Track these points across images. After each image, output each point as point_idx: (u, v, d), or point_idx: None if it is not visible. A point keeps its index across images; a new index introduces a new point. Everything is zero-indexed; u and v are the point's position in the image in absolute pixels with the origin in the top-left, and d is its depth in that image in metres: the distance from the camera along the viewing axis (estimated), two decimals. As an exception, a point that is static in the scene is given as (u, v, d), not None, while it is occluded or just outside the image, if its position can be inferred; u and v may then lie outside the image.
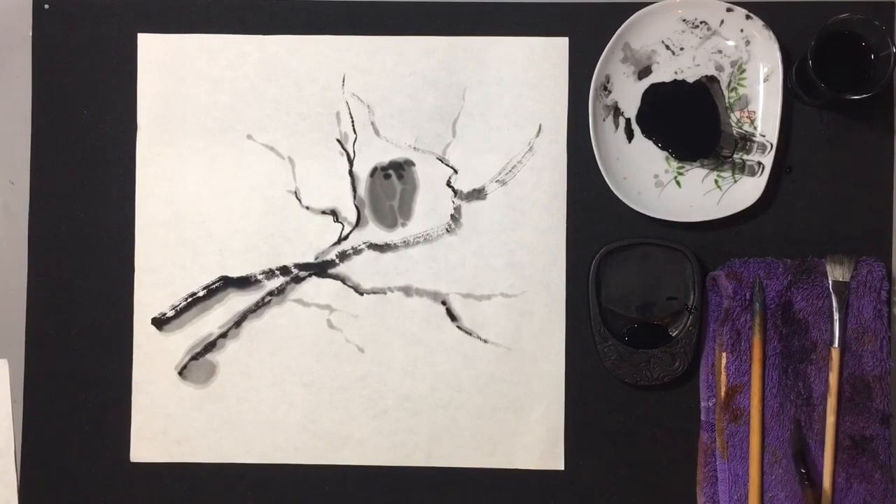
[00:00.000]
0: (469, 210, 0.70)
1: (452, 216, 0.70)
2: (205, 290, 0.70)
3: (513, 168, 0.70)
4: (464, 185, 0.70)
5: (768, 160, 0.68)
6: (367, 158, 0.70)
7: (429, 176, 0.70)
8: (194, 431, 0.70)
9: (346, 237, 0.70)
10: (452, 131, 0.70)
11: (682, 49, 0.69)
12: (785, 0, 0.70)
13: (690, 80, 0.69)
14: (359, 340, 0.70)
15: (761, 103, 0.69)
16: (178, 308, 0.70)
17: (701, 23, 0.69)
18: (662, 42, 0.69)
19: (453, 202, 0.70)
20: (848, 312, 0.66)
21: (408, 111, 0.70)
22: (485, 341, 0.70)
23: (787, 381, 0.66)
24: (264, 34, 0.71)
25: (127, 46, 0.71)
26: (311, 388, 0.70)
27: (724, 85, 0.69)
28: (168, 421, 0.70)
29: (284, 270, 0.70)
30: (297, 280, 0.70)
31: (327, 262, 0.70)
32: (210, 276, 0.70)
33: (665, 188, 0.69)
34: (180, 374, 0.70)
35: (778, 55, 0.67)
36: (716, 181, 0.69)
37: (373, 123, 0.70)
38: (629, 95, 0.69)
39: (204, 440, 0.70)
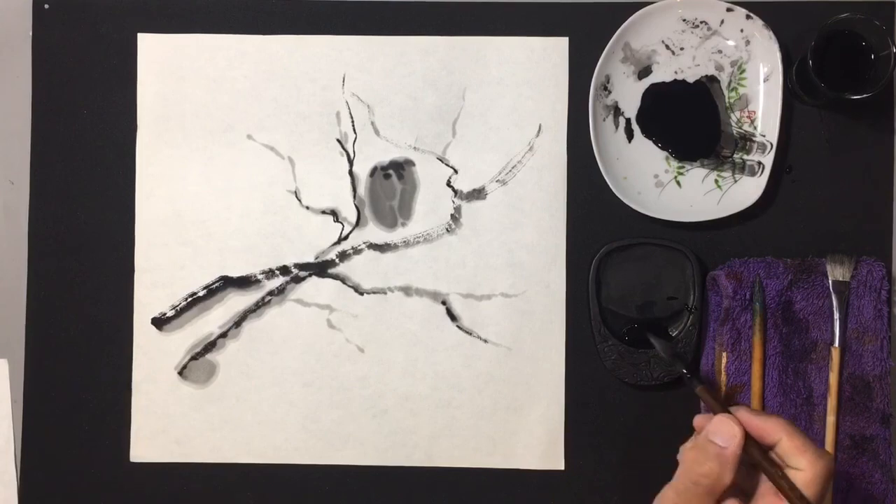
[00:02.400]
0: (469, 210, 0.70)
1: (452, 216, 0.70)
2: (205, 290, 0.70)
3: (513, 168, 0.70)
4: (464, 185, 0.70)
5: (768, 160, 0.68)
6: (367, 158, 0.70)
7: (429, 176, 0.70)
8: (194, 431, 0.70)
9: (346, 237, 0.70)
10: (452, 131, 0.70)
11: (682, 49, 0.69)
12: (785, 0, 0.70)
13: (690, 79, 0.69)
14: (359, 340, 0.70)
15: (761, 103, 0.69)
16: (177, 308, 0.70)
17: (701, 23, 0.69)
18: (662, 42, 0.69)
19: (453, 202, 0.70)
20: (848, 312, 0.66)
21: (408, 111, 0.70)
22: (485, 341, 0.70)
23: (788, 380, 0.66)
24: (264, 34, 0.71)
25: (127, 46, 0.71)
26: (311, 388, 0.70)
27: (724, 85, 0.69)
28: (168, 421, 0.70)
29: (284, 270, 0.70)
30: (297, 280, 0.70)
31: (327, 261, 0.70)
32: (210, 276, 0.70)
33: (665, 188, 0.69)
34: (180, 374, 0.70)
35: (778, 55, 0.67)
36: (716, 181, 0.69)
37: (373, 123, 0.70)
38: (629, 95, 0.69)
39: (204, 440, 0.70)
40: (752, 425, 0.55)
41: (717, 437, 0.54)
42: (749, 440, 0.54)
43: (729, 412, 0.55)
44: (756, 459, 0.54)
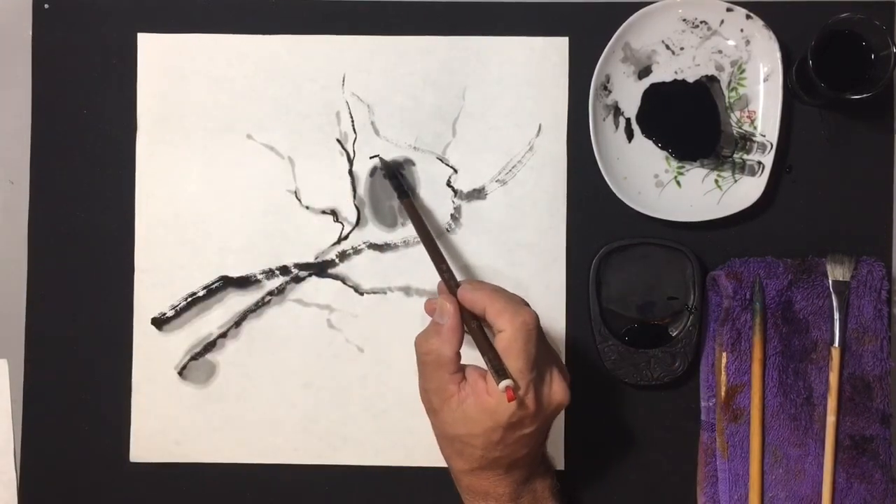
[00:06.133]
0: (469, 210, 0.70)
1: (452, 216, 0.70)
2: (204, 290, 0.70)
3: (513, 168, 0.70)
4: (464, 185, 0.70)
5: (768, 160, 0.68)
6: (367, 158, 0.70)
7: (429, 176, 0.70)
8: (194, 431, 0.70)
9: (346, 237, 0.70)
10: (452, 131, 0.70)
11: (682, 49, 0.69)
12: (785, 0, 0.70)
13: (690, 79, 0.69)
14: (359, 340, 0.70)
15: (761, 103, 0.69)
16: (177, 308, 0.70)
17: (701, 22, 0.69)
18: (662, 42, 0.69)
19: (453, 202, 0.70)
20: (848, 312, 0.66)
21: (408, 111, 0.70)
22: (485, 341, 0.70)
23: (788, 380, 0.66)
24: (264, 34, 0.71)
25: (127, 46, 0.71)
26: (311, 388, 0.70)
27: (724, 85, 0.69)
28: (168, 421, 0.70)
29: (284, 270, 0.70)
30: (297, 280, 0.70)
31: (327, 261, 0.70)
32: (210, 276, 0.70)
33: (665, 188, 0.69)
34: (180, 374, 0.70)
35: (778, 55, 0.67)
36: (716, 181, 0.69)
37: (373, 123, 0.70)
38: (629, 95, 0.69)
39: (204, 440, 0.70)
40: (465, 299, 0.58)
41: (437, 315, 0.58)
42: (466, 314, 0.58)
43: (447, 276, 0.61)
44: (471, 330, 0.58)
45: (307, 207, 0.70)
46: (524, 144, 0.70)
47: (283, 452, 0.70)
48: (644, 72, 0.69)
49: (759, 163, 0.69)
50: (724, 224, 0.69)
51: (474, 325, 0.58)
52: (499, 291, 0.58)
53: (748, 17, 0.68)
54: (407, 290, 0.70)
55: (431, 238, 0.64)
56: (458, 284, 0.60)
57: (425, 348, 0.58)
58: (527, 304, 0.58)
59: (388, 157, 0.70)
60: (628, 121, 0.69)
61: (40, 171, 0.71)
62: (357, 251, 0.70)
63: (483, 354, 0.57)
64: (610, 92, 0.69)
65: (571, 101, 0.70)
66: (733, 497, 0.66)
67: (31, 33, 0.71)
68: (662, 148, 0.69)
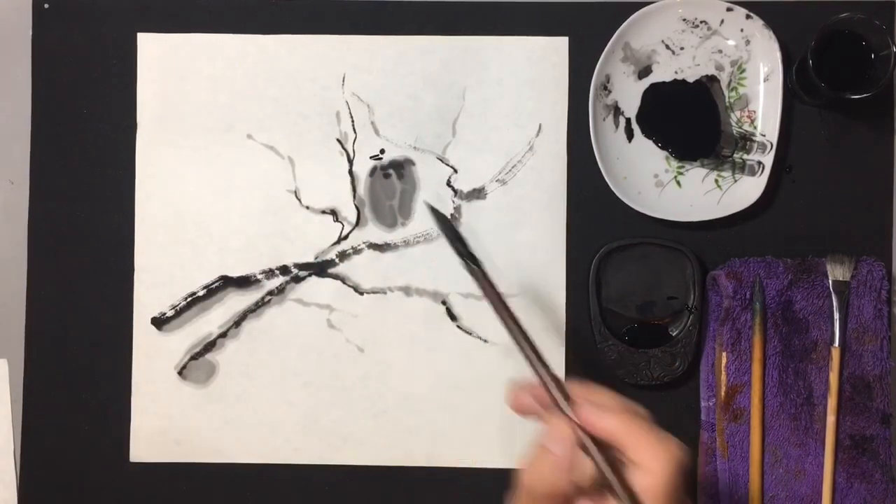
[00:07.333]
0: (469, 210, 0.70)
1: (452, 216, 0.70)
2: (204, 290, 0.70)
3: (513, 168, 0.70)
4: (464, 185, 0.70)
5: (768, 160, 0.68)
6: (366, 158, 0.70)
7: (429, 176, 0.70)
8: (194, 431, 0.70)
9: (346, 237, 0.70)
10: (452, 131, 0.70)
11: (682, 49, 0.69)
12: (785, 0, 0.70)
13: (690, 79, 0.69)
14: (359, 340, 0.70)
15: (761, 103, 0.69)
16: (177, 308, 0.70)
17: (701, 22, 0.69)
18: (662, 42, 0.69)
19: (453, 202, 0.70)
20: (848, 312, 0.66)
21: (408, 111, 0.70)
22: (485, 341, 0.70)
23: (788, 380, 0.66)
24: (264, 34, 0.71)
25: (127, 46, 0.71)
26: (311, 388, 0.70)
27: (724, 84, 0.69)
28: (168, 421, 0.70)
29: (284, 270, 0.70)
30: (297, 280, 0.70)
31: (327, 261, 0.70)
32: (210, 276, 0.70)
33: (665, 188, 0.69)
34: (180, 374, 0.70)
35: (778, 55, 0.67)
36: (716, 181, 0.69)
37: (373, 123, 0.70)
38: (629, 95, 0.69)
39: (204, 440, 0.70)
40: (591, 424, 0.48)
41: (548, 440, 0.48)
42: (587, 437, 0.48)
43: (555, 385, 0.49)
44: (595, 461, 0.48)
45: (307, 207, 0.70)
46: (524, 144, 0.70)
47: (283, 452, 0.70)
48: (644, 72, 0.69)
49: (759, 163, 0.69)
50: (724, 224, 0.69)
51: (602, 458, 0.48)
52: (631, 413, 0.48)
53: (748, 16, 0.68)
54: (407, 290, 0.70)
55: (522, 328, 0.52)
56: (567, 397, 0.49)
57: (535, 477, 0.48)
58: (667, 433, 0.48)
59: (388, 156, 0.70)
60: (628, 121, 0.69)
61: (40, 171, 0.71)
62: (357, 251, 0.70)
63: (613, 495, 0.47)
64: (610, 92, 0.69)
65: (571, 101, 0.70)
66: (733, 497, 0.66)
67: (31, 33, 0.71)
68: (662, 148, 0.69)
